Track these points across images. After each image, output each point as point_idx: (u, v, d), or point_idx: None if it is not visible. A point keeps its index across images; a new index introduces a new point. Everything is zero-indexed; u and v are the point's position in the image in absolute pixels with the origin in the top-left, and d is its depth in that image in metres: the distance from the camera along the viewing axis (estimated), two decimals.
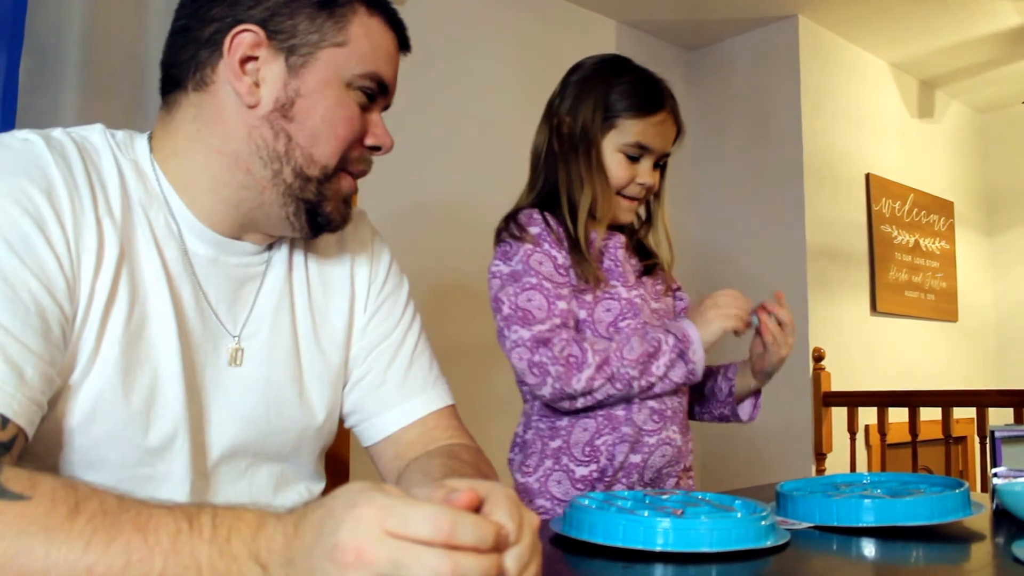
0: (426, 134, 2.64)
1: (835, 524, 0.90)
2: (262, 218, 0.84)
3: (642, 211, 1.36)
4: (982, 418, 2.63)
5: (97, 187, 0.76)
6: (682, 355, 1.19)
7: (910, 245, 3.74)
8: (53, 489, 0.55)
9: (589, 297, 1.24)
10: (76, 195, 0.74)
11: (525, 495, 1.24)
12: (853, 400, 2.94)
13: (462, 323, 2.52)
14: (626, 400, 1.21)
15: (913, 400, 2.76)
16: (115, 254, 0.75)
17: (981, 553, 0.88)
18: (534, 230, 1.23)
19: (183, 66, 0.82)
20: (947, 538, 0.90)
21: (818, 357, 3.08)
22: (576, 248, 1.23)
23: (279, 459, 0.89)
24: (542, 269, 1.20)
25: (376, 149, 0.87)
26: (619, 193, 1.27)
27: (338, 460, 1.63)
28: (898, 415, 2.88)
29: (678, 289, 1.41)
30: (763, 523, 0.82)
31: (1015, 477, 1.01)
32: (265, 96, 0.80)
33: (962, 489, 0.93)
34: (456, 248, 2.60)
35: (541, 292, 1.19)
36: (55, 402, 0.72)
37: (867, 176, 3.54)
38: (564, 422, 1.23)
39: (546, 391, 1.17)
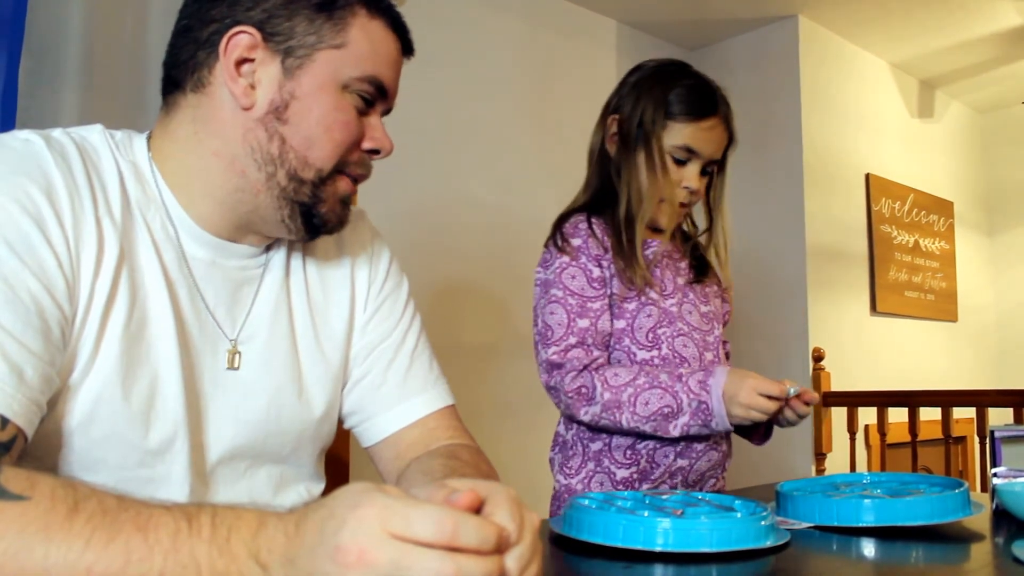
0: (426, 134, 2.63)
1: (835, 524, 0.91)
2: (258, 220, 0.84)
3: (702, 220, 1.37)
4: (982, 418, 2.63)
5: (97, 188, 0.76)
6: (705, 425, 1.20)
7: (910, 245, 3.74)
8: (52, 489, 0.55)
9: (632, 305, 1.25)
10: (76, 195, 0.73)
11: (568, 496, 1.25)
12: (853, 400, 2.94)
13: (462, 323, 2.52)
14: None
15: (913, 400, 2.76)
16: (115, 255, 0.75)
17: (981, 553, 0.87)
18: (576, 242, 1.25)
19: (182, 67, 0.82)
20: (947, 538, 0.90)
21: (818, 357, 3.08)
22: (621, 252, 1.24)
23: (279, 460, 0.89)
24: (572, 284, 1.22)
25: (375, 152, 0.86)
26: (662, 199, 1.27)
27: (338, 461, 1.63)
28: (898, 415, 2.87)
29: (726, 290, 1.42)
30: (763, 523, 0.82)
31: (1015, 477, 1.01)
32: (260, 98, 0.80)
33: (962, 489, 0.93)
34: (456, 248, 2.59)
35: (564, 307, 1.21)
36: (55, 403, 0.72)
37: (867, 176, 3.54)
38: None
39: (562, 410, 1.25)
